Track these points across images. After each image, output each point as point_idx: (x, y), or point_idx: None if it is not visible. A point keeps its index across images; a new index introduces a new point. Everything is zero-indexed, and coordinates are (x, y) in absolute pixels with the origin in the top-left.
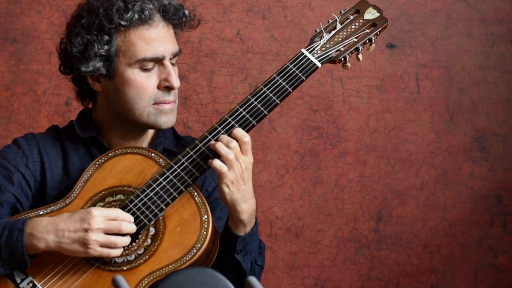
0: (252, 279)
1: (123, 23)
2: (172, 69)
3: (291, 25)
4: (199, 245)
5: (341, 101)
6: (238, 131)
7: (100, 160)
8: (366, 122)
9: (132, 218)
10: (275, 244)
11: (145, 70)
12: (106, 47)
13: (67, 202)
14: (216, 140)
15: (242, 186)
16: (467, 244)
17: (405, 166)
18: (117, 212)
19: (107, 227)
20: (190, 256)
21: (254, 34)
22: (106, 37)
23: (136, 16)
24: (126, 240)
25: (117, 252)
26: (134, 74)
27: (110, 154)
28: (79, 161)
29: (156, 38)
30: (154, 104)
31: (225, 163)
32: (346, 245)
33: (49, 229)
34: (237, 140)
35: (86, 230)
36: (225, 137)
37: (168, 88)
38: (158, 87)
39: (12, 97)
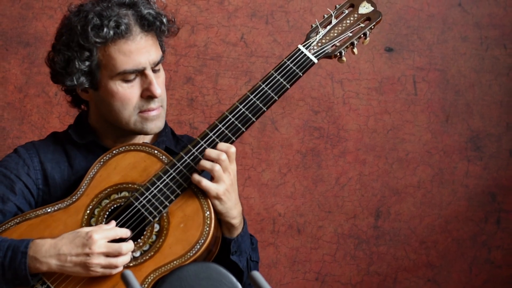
0: (256, 274)
1: (98, 40)
2: (153, 78)
3: (293, 29)
4: (202, 241)
5: (341, 103)
6: (223, 145)
7: (104, 158)
8: (365, 123)
9: (128, 232)
10: (277, 240)
11: (127, 81)
12: (87, 62)
13: (74, 199)
14: (219, 135)
15: (232, 194)
16: (462, 240)
17: (402, 165)
18: (116, 231)
19: (107, 250)
20: (194, 251)
21: (257, 38)
22: (87, 53)
23: (111, 32)
24: (127, 259)
25: (117, 271)
26: (117, 86)
27: (114, 152)
28: (84, 160)
29: (135, 50)
30: (139, 112)
31: (212, 177)
32: (346, 241)
33: (51, 253)
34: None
35: (88, 255)
36: (213, 152)
37: (151, 97)
38: (142, 96)
39: (25, 99)
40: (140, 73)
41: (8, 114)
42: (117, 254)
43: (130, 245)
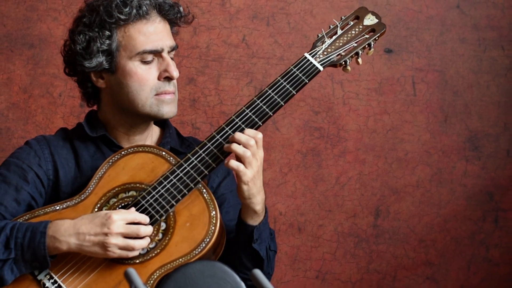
0: (257, 272)
1: (122, 17)
2: (170, 60)
3: (294, 31)
4: (207, 240)
5: (341, 103)
6: (250, 131)
7: (113, 158)
8: (365, 123)
9: (147, 218)
10: (278, 239)
11: (145, 62)
12: (107, 42)
13: (82, 198)
14: (226, 138)
15: (257, 181)
16: (461, 238)
17: (401, 164)
18: (135, 215)
19: (125, 231)
20: (199, 250)
21: (259, 39)
22: (107, 33)
23: (134, 11)
24: (145, 242)
25: (134, 253)
26: (135, 67)
27: (122, 152)
28: (90, 159)
29: (154, 32)
30: (155, 95)
31: (242, 162)
32: (346, 239)
33: (70, 232)
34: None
35: (106, 234)
36: (243, 136)
37: (168, 79)
38: (159, 78)
39: (29, 99)
40: (157, 55)
41: (13, 115)
42: (134, 236)
43: (148, 229)
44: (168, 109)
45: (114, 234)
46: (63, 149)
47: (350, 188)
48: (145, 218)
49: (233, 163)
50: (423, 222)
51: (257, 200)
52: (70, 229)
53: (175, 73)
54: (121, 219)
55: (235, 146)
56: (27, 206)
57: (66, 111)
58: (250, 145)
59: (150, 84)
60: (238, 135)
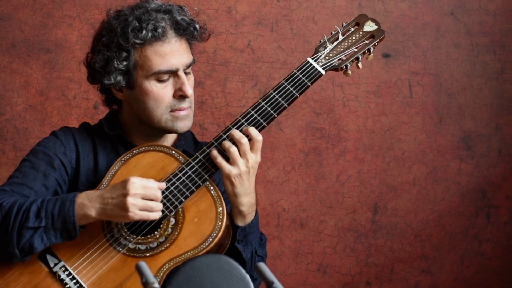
0: (262, 265)
1: (137, 41)
2: (185, 79)
3: (297, 36)
4: (214, 234)
5: (341, 105)
6: (253, 130)
7: (125, 157)
8: (364, 124)
9: (163, 184)
10: (282, 234)
11: (161, 81)
12: (124, 62)
13: None
14: (228, 137)
15: (246, 182)
16: (455, 233)
17: (399, 163)
18: (153, 183)
19: (144, 193)
20: (206, 244)
21: (263, 45)
22: (125, 54)
23: (150, 34)
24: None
25: (155, 215)
26: (151, 85)
27: (134, 151)
28: (106, 157)
29: (169, 53)
30: (170, 111)
31: (229, 158)
32: (346, 234)
33: (97, 199)
34: (250, 138)
35: (125, 195)
36: (237, 133)
37: (183, 97)
38: (174, 96)
39: (46, 102)
40: (173, 74)
41: (30, 116)
42: (153, 198)
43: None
44: (182, 125)
45: (132, 195)
46: (86, 141)
47: (350, 186)
48: (161, 184)
49: (213, 152)
50: (419, 218)
51: (242, 201)
52: (97, 197)
53: (189, 91)
54: (139, 182)
55: (224, 142)
56: (54, 192)
57: (80, 113)
58: (240, 143)
59: (166, 102)
60: (234, 131)
